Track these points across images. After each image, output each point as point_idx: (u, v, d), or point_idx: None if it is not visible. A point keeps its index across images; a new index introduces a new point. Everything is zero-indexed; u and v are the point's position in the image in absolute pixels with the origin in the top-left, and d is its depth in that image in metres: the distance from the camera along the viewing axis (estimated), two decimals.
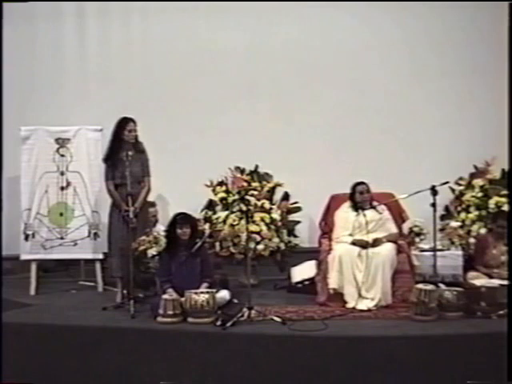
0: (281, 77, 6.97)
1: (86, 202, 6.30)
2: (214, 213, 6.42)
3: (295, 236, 6.53)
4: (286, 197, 6.58)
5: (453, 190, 6.55)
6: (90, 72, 7.12)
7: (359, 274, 5.30)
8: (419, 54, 6.99)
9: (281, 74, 6.98)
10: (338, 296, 5.33)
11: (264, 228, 6.21)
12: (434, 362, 4.29)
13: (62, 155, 6.35)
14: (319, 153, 6.89)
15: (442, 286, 5.01)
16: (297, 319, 4.87)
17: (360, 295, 5.24)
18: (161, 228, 5.99)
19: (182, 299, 4.88)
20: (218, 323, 4.68)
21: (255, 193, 6.43)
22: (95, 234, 6.28)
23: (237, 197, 6.40)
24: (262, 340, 4.53)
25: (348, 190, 5.78)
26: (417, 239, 6.06)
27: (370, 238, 5.45)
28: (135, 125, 5.73)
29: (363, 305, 5.19)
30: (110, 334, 4.75)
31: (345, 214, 5.71)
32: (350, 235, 5.55)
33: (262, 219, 6.24)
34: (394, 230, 5.66)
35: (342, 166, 6.76)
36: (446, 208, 6.54)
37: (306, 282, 5.87)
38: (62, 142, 6.35)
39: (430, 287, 4.82)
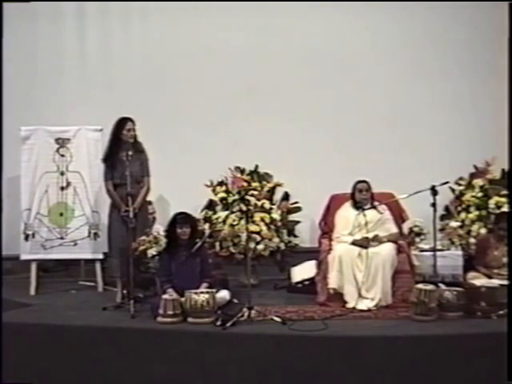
0: (281, 77, 6.97)
1: (86, 201, 6.30)
2: (214, 213, 6.42)
3: (295, 236, 6.53)
4: (286, 197, 6.58)
5: (453, 190, 6.55)
6: (90, 72, 7.12)
7: (359, 274, 5.29)
8: (419, 54, 6.99)
9: (281, 74, 6.97)
10: (337, 296, 5.33)
11: (264, 228, 6.21)
12: (434, 362, 4.29)
13: (62, 155, 6.35)
14: (319, 153, 6.89)
15: (442, 286, 5.01)
16: (297, 319, 4.87)
17: (360, 295, 5.24)
18: (159, 227, 5.99)
19: (182, 299, 4.87)
20: (218, 323, 4.68)
21: (255, 193, 6.43)
22: (95, 234, 6.28)
23: (237, 197, 6.40)
24: (262, 340, 4.53)
25: (348, 190, 5.79)
26: (417, 239, 6.08)
27: (370, 236, 5.46)
28: (133, 124, 5.73)
29: (363, 305, 5.19)
30: (110, 333, 4.75)
31: (345, 213, 5.71)
32: (350, 234, 5.55)
33: (262, 219, 6.24)
34: (394, 230, 5.65)
35: (342, 166, 6.76)
36: (446, 208, 6.54)
37: (306, 282, 5.88)
38: (62, 142, 6.35)
39: (430, 287, 4.82)
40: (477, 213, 6.29)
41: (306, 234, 6.71)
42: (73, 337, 4.73)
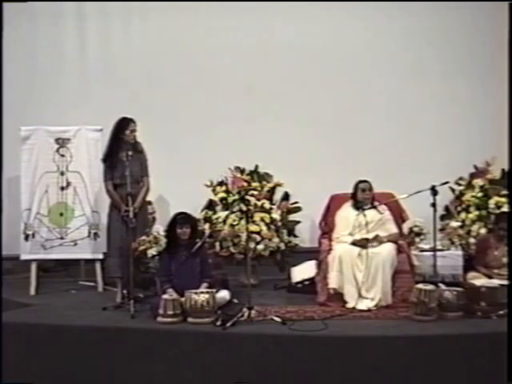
0: (281, 77, 6.96)
1: (86, 201, 6.30)
2: (214, 213, 6.42)
3: (295, 236, 6.53)
4: (286, 197, 6.58)
5: (453, 190, 6.55)
6: (90, 72, 7.12)
7: (359, 274, 5.29)
8: (419, 54, 6.99)
9: (281, 74, 6.97)
10: (338, 296, 5.33)
11: (264, 228, 6.21)
12: (434, 362, 4.29)
13: (62, 155, 6.35)
14: (319, 153, 6.89)
15: (442, 286, 5.01)
16: (297, 319, 4.87)
17: (360, 295, 5.24)
18: (159, 227, 5.99)
19: (182, 299, 4.88)
20: (218, 323, 4.68)
21: (255, 193, 6.43)
22: (95, 234, 6.28)
23: (237, 197, 6.40)
24: (262, 340, 4.53)
25: (348, 190, 5.79)
26: (417, 239, 6.08)
27: (370, 236, 5.47)
28: (135, 125, 5.74)
29: (363, 305, 5.19)
30: (109, 333, 4.75)
31: (345, 213, 5.71)
32: (350, 234, 5.55)
33: (262, 219, 6.24)
34: (394, 230, 5.66)
35: (342, 166, 6.76)
36: (446, 208, 6.54)
37: (306, 282, 5.88)
38: (62, 142, 6.35)
39: (429, 287, 4.82)
40: (477, 213, 6.29)
41: (306, 234, 6.71)
42: (73, 337, 4.73)
